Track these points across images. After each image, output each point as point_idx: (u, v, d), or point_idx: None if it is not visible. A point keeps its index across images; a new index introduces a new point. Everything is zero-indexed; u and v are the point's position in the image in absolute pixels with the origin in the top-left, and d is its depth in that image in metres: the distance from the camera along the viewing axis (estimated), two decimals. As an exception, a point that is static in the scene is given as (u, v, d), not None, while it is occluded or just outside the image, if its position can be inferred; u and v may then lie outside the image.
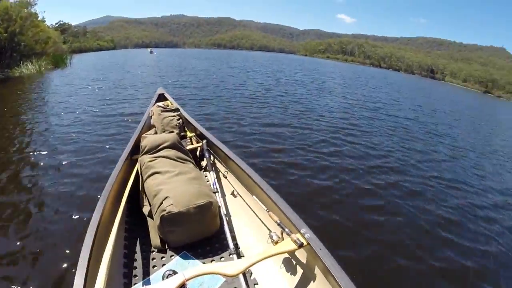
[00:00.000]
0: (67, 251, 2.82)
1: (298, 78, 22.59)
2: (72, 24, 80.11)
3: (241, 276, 1.89)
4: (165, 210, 2.12)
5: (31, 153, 5.10)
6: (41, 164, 4.71)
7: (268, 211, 2.16)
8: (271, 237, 1.98)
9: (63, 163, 4.76)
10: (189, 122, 3.91)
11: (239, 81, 17.29)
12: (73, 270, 1.61)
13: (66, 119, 7.37)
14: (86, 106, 8.90)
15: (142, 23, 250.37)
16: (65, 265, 2.66)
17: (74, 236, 2.96)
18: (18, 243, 2.92)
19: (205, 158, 3.16)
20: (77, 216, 3.36)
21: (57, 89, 12.00)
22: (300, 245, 1.76)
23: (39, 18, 23.91)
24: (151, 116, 3.95)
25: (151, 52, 61.74)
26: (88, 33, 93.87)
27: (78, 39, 71.10)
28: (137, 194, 2.58)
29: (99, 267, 1.52)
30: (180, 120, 3.86)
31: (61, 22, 67.40)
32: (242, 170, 2.59)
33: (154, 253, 2.20)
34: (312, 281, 1.77)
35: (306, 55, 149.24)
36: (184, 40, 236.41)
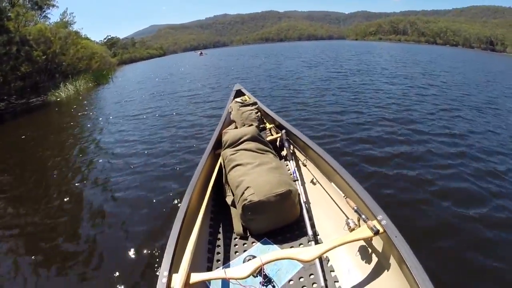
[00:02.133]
0: (158, 236, 3.01)
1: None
2: (120, 38, 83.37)
3: (317, 263, 1.91)
4: (246, 199, 2.17)
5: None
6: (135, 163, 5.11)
7: (346, 198, 2.12)
8: (347, 223, 1.92)
9: (153, 161, 5.14)
10: (267, 114, 3.96)
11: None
12: (162, 253, 1.74)
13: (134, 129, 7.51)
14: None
15: (187, 27, 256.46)
16: (155, 248, 2.88)
17: (164, 223, 3.20)
18: (119, 230, 3.29)
19: (284, 148, 3.19)
20: (168, 206, 3.63)
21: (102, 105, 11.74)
22: (376, 232, 1.68)
23: (82, 35, 23.52)
24: (231, 112, 4.00)
25: (200, 54, 60.00)
26: (137, 43, 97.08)
27: (127, 51, 74.43)
28: (221, 186, 2.71)
29: (185, 250, 1.66)
30: (259, 113, 3.88)
31: (109, 37, 70.53)
32: (321, 157, 2.54)
33: (236, 239, 2.31)
34: (386, 269, 1.71)
35: (357, 39, 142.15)
36: (231, 38, 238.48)
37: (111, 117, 9.03)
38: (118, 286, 2.54)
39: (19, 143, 7.22)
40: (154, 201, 3.79)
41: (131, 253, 2.89)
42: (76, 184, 4.54)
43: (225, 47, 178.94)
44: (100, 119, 9.05)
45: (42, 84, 15.46)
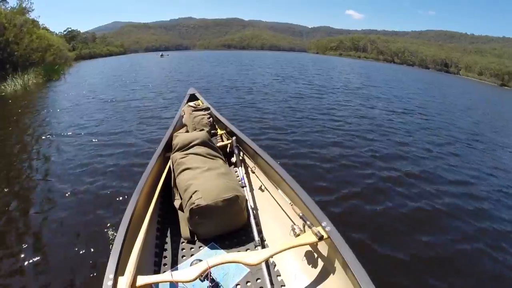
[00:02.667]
0: (102, 240, 3.03)
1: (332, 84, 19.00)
2: (81, 31, 79.76)
3: (264, 267, 1.94)
4: (194, 203, 2.21)
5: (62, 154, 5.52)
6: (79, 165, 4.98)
7: (291, 204, 2.20)
8: (293, 229, 2.01)
9: (103, 161, 5.11)
10: (219, 120, 4.00)
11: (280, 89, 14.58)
12: (107, 257, 1.58)
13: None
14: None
15: (151, 27, 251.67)
16: (100, 252, 2.85)
17: (110, 225, 3.24)
18: (57, 234, 3.22)
19: (234, 154, 3.23)
20: (112, 209, 3.59)
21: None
22: (321, 238, 1.77)
23: (40, 25, 22.17)
24: (183, 116, 3.99)
25: (161, 55, 60.67)
26: (98, 39, 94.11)
27: (87, 45, 71.19)
28: (169, 189, 2.69)
29: (130, 254, 1.63)
30: (211, 118, 3.91)
31: (70, 29, 67.57)
32: (269, 165, 2.62)
33: (183, 244, 2.31)
34: (331, 274, 1.78)
35: (318, 53, 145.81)
36: (194, 43, 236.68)
37: (57, 120, 8.40)
38: None
39: None
40: (100, 201, 3.81)
41: (74, 256, 2.88)
42: (15, 188, 4.34)
43: (187, 50, 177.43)
44: (45, 122, 8.32)
45: None
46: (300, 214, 2.04)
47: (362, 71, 35.00)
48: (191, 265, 1.87)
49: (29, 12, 21.51)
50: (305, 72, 26.11)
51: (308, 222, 1.93)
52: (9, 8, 18.53)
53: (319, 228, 1.82)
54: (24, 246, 3.03)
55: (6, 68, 15.54)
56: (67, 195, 4.02)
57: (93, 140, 6.31)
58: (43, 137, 6.62)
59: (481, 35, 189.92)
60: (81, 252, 2.92)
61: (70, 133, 6.86)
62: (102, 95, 12.32)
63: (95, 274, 2.63)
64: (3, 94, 12.45)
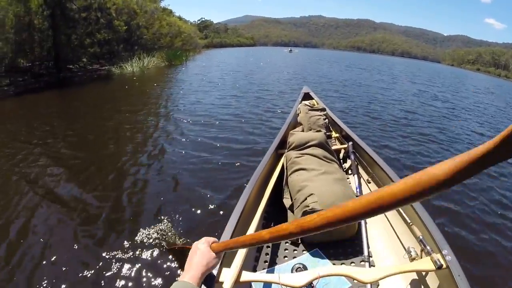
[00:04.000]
0: (212, 229, 2.97)
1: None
2: (214, 22, 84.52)
3: (369, 286, 1.80)
4: (308, 206, 2.10)
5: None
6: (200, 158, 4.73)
7: (411, 225, 1.96)
8: (408, 252, 1.81)
9: (216, 157, 4.80)
10: (335, 122, 3.83)
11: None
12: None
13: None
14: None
15: (281, 23, 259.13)
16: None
17: (219, 218, 3.19)
18: (172, 220, 3.14)
19: (349, 160, 3.10)
20: (226, 201, 3.52)
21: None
22: (439, 267, 1.55)
23: (173, 13, 23.08)
24: (298, 114, 3.85)
25: (290, 51, 60.59)
26: (229, 29, 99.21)
27: (219, 35, 75.81)
28: (279, 187, 2.60)
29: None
30: (326, 119, 3.73)
31: (203, 19, 71.83)
32: (388, 177, 2.43)
33: (287, 244, 2.24)
34: None
35: (452, 65, 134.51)
36: (323, 41, 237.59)
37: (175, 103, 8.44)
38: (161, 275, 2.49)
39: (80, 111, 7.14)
40: (213, 194, 3.70)
41: (181, 240, 2.87)
42: (134, 166, 4.38)
43: (315, 48, 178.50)
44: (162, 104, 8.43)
45: (118, 54, 14.94)
46: (420, 237, 1.77)
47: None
48: (292, 268, 1.85)
49: (161, 1, 22.38)
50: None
51: (427, 247, 1.66)
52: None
53: (439, 256, 1.58)
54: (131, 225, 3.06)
55: (135, 49, 16.29)
56: (183, 180, 3.99)
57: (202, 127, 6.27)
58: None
59: None
60: (189, 238, 2.87)
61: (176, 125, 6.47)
62: (214, 89, 11.03)
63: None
64: (121, 73, 12.92)
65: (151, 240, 2.81)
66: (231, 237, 1.62)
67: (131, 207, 3.34)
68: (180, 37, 25.19)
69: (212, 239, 0.99)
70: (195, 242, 0.96)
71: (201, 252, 0.93)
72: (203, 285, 1.14)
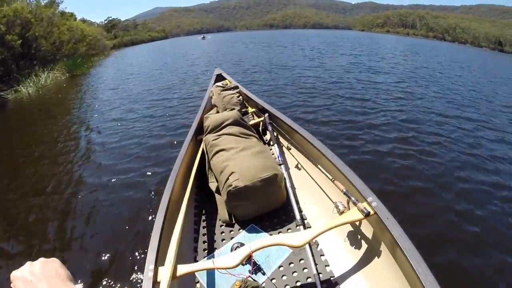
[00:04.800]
0: (141, 229, 2.99)
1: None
2: (122, 19, 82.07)
3: (307, 247, 1.89)
4: (231, 185, 2.12)
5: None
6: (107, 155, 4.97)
7: (333, 181, 2.09)
8: (336, 207, 1.92)
9: (132, 150, 4.99)
10: (249, 97, 3.88)
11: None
12: (146, 246, 1.56)
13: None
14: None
15: (191, 10, 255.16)
16: (138, 241, 2.82)
17: (147, 213, 3.19)
18: (92, 227, 3.17)
19: (268, 132, 3.20)
20: (150, 196, 3.54)
21: None
22: (367, 214, 1.68)
23: (76, 16, 21.54)
24: (211, 97, 3.93)
25: (203, 38, 61.31)
26: (139, 25, 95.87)
27: (128, 33, 72.26)
28: (204, 172, 2.62)
29: (170, 242, 1.60)
30: (240, 97, 3.82)
31: (110, 18, 68.76)
32: (307, 140, 2.55)
33: (222, 227, 2.26)
34: (378, 252, 1.71)
35: (363, 30, 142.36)
36: (235, 24, 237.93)
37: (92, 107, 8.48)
38: (102, 282, 2.46)
39: None
40: (136, 190, 3.71)
41: (113, 245, 2.82)
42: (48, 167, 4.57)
43: (228, 32, 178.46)
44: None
45: (15, 74, 12.74)
46: (344, 190, 1.91)
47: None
48: (231, 249, 1.94)
49: (59, 4, 20.74)
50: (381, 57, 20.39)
51: (352, 198, 1.81)
52: (34, 2, 17.55)
53: (365, 204, 1.73)
54: (55, 235, 3.09)
55: (33, 64, 14.44)
56: (100, 187, 3.94)
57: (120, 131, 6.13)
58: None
59: None
60: (120, 242, 2.85)
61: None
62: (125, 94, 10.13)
63: (136, 265, 2.57)
64: (15, 98, 10.50)
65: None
66: (161, 235, 1.64)
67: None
68: (85, 42, 23.44)
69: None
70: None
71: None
72: None
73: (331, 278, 1.81)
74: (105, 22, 66.14)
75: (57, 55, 17.30)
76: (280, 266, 1.88)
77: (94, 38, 27.93)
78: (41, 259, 0.65)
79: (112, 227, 3.12)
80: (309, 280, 1.81)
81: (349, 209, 1.88)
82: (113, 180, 4.06)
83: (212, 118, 2.89)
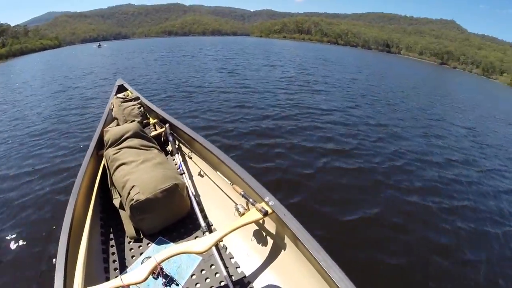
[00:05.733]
0: (45, 253, 2.83)
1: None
2: (12, 25, 74.28)
3: (215, 252, 2.00)
4: (133, 199, 2.12)
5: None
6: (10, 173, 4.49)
7: (232, 185, 2.22)
8: (237, 209, 2.02)
9: (25, 168, 4.61)
10: (150, 108, 3.84)
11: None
12: (52, 271, 1.52)
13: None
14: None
15: (87, 16, 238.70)
16: (43, 267, 2.68)
17: (49, 237, 3.00)
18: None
19: (169, 142, 3.22)
20: (49, 215, 3.39)
21: None
22: (265, 213, 1.80)
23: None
24: (112, 109, 3.82)
25: (99, 46, 56.37)
26: (30, 32, 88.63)
27: (18, 40, 66.80)
28: (107, 189, 2.57)
29: (76, 265, 1.54)
30: (141, 108, 3.78)
31: (-2, 23, 59.22)
32: (207, 149, 2.60)
33: (131, 243, 2.21)
34: (282, 247, 1.86)
35: (261, 36, 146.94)
36: (133, 30, 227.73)
37: None
38: None
39: None
40: (32, 210, 3.50)
41: (14, 272, 2.67)
42: None
43: (126, 39, 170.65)
44: None
45: None
46: (242, 193, 2.04)
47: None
48: (142, 264, 1.71)
49: None
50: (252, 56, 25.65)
51: (251, 200, 1.95)
52: None
53: (263, 204, 1.85)
54: None
55: None
56: None
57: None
58: None
59: (419, 17, 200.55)
60: (23, 271, 2.67)
61: None
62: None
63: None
64: None
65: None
66: (66, 259, 1.56)
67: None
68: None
69: None
70: None
71: None
72: None
73: (243, 278, 1.89)
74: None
75: None
76: (192, 275, 1.91)
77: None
78: None
79: (8, 254, 2.86)
80: (222, 283, 1.87)
81: (249, 210, 1.95)
82: (6, 193, 3.88)
83: (112, 132, 2.81)
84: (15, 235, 3.09)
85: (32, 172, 4.43)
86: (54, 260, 1.71)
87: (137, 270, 1.51)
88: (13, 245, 2.97)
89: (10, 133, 6.49)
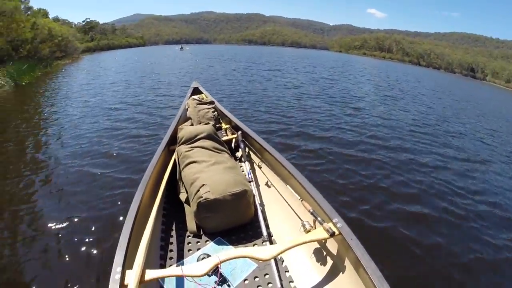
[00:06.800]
0: (109, 234, 2.93)
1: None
2: (100, 22, 78.50)
3: (272, 263, 1.92)
4: (202, 197, 2.15)
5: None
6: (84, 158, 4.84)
7: (301, 200, 2.17)
8: (303, 225, 1.97)
9: (106, 151, 5.10)
10: (224, 114, 3.96)
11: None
12: (114, 249, 1.55)
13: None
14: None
15: (172, 20, 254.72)
16: (106, 243, 2.82)
17: (116, 219, 3.17)
18: (64, 227, 3.14)
19: (240, 149, 3.21)
20: (119, 202, 3.52)
21: None
22: (332, 234, 1.75)
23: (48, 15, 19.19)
24: (187, 109, 3.89)
25: (181, 48, 59.82)
26: (117, 30, 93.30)
27: (106, 36, 70.37)
28: (174, 182, 2.66)
29: (138, 248, 1.59)
30: (215, 112, 3.85)
31: (88, 20, 65.92)
32: (277, 160, 2.59)
33: (189, 237, 2.27)
34: (342, 271, 1.77)
35: (340, 51, 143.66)
36: (215, 36, 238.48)
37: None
38: (67, 284, 2.45)
39: None
40: (106, 195, 3.71)
41: (81, 249, 2.83)
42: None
43: (207, 44, 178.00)
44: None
45: None
46: (311, 210, 2.00)
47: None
48: (197, 259, 1.96)
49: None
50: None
51: (319, 218, 1.91)
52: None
53: (330, 225, 1.80)
54: (30, 234, 3.06)
55: None
56: (71, 191, 3.86)
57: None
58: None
59: (506, 40, 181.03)
60: (88, 243, 2.89)
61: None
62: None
63: (102, 267, 2.56)
64: None
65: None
66: (129, 240, 1.61)
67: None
68: (50, 42, 21.05)
69: None
70: None
71: None
72: None
73: None
74: (83, 23, 63.63)
75: (14, 56, 14.98)
76: (245, 280, 1.89)
77: (64, 39, 25.61)
78: None
79: (78, 229, 3.09)
80: None
81: (315, 228, 1.93)
82: (83, 181, 4.09)
83: (186, 130, 2.93)
84: (88, 213, 3.37)
85: (105, 157, 4.88)
86: (118, 238, 1.64)
87: (198, 264, 1.59)
88: (84, 217, 3.28)
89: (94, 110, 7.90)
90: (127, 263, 1.49)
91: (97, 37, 61.75)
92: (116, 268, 1.43)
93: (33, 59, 16.38)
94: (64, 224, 3.18)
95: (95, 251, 2.76)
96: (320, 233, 1.80)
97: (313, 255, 2.00)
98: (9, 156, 5.11)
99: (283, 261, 2.06)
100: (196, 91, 4.96)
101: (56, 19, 31.41)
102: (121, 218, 3.12)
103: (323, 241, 1.89)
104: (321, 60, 44.19)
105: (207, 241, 2.23)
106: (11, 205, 3.68)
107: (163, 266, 1.98)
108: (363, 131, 7.25)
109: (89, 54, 39.97)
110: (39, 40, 18.64)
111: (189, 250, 2.15)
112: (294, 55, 52.24)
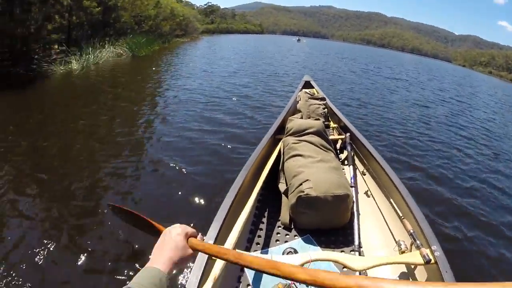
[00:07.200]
0: (206, 209, 3.04)
1: None
2: (221, 7, 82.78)
3: (357, 274, 1.75)
4: (303, 192, 2.11)
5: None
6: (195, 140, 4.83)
7: (403, 218, 2.01)
8: (399, 245, 1.84)
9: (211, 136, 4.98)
10: (334, 112, 3.87)
11: None
12: (207, 225, 1.64)
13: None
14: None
15: (290, 11, 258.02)
16: (202, 218, 2.80)
17: (213, 197, 3.20)
18: (168, 200, 3.21)
19: (345, 151, 3.12)
20: (221, 181, 3.53)
21: None
22: (428, 262, 1.59)
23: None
24: (298, 101, 3.93)
25: (298, 40, 60.08)
26: (237, 15, 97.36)
27: (225, 21, 73.95)
28: (276, 171, 2.65)
29: (231, 227, 1.70)
30: (326, 109, 3.80)
31: (209, 3, 69.80)
32: (383, 169, 2.47)
33: (279, 228, 2.27)
34: None
35: (464, 66, 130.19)
36: (333, 32, 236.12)
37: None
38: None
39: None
40: (210, 173, 3.78)
41: (177, 212, 3.00)
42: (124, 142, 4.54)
43: (324, 39, 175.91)
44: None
45: (80, 43, 11.18)
46: (411, 231, 1.83)
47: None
48: (283, 252, 1.95)
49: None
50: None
51: (417, 242, 1.73)
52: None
53: (428, 251, 1.64)
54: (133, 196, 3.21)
55: (110, 34, 13.35)
56: (179, 162, 3.97)
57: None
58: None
59: None
60: (182, 214, 2.99)
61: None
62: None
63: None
64: (64, 71, 8.74)
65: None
66: (225, 217, 1.69)
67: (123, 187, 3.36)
68: (171, 21, 22.36)
69: (190, 230, 0.83)
70: (169, 228, 0.83)
71: (175, 244, 0.78)
72: None
73: None
74: (205, 6, 67.42)
75: (138, 30, 16.14)
76: None
77: (185, 19, 27.26)
78: (182, 227, 0.81)
79: (176, 200, 3.19)
80: None
81: (411, 251, 1.81)
82: (185, 159, 4.13)
83: (296, 122, 2.89)
84: (188, 189, 3.42)
85: (213, 141, 4.81)
86: (213, 215, 1.72)
87: (287, 257, 1.65)
88: (182, 195, 3.31)
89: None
90: (219, 240, 1.56)
91: (217, 20, 64.91)
92: (208, 241, 1.48)
93: (153, 34, 17.42)
94: (164, 193, 3.34)
95: (190, 220, 2.79)
96: (415, 257, 1.68)
97: (399, 278, 1.86)
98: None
99: (366, 275, 1.87)
100: (307, 85, 4.96)
101: (180, 0, 33.50)
102: (219, 196, 2.91)
103: (415, 266, 1.79)
104: (445, 73, 38.95)
105: (295, 235, 2.21)
106: (130, 144, 4.37)
107: (248, 249, 2.02)
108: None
109: (208, 35, 41.84)
110: (161, 18, 19.88)
111: (277, 240, 2.16)
112: (415, 64, 48.52)
